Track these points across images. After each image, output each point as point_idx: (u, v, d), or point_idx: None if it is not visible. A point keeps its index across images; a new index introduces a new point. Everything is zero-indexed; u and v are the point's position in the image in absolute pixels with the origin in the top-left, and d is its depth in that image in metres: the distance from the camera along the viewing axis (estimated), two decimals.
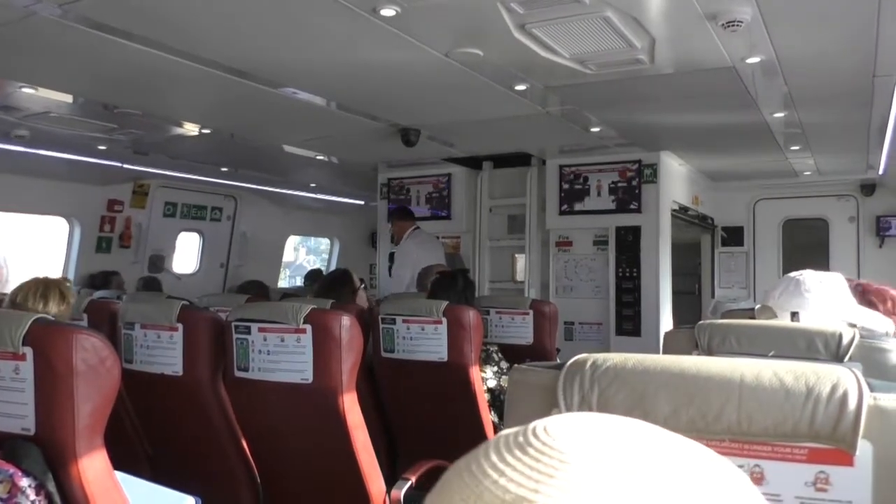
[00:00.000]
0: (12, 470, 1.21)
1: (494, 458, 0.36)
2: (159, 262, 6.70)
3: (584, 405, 0.76)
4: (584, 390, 0.77)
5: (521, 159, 5.66)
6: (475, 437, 2.90)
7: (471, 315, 2.83)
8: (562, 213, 5.48)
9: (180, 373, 2.34)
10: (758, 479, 0.72)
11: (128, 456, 2.42)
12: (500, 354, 3.14)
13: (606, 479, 0.33)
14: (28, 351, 1.33)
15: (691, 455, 0.36)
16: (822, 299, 1.63)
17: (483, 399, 2.89)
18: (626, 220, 5.25)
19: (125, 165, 5.63)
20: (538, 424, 0.37)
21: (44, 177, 5.49)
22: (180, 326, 2.33)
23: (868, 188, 6.57)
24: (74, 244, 6.09)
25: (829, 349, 1.26)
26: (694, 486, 0.35)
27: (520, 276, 6.04)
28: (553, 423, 0.37)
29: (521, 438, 0.37)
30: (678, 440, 0.37)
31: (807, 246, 6.78)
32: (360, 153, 5.49)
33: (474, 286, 3.47)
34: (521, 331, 3.54)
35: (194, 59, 2.98)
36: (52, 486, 1.27)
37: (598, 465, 0.34)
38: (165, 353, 2.37)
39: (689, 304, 6.67)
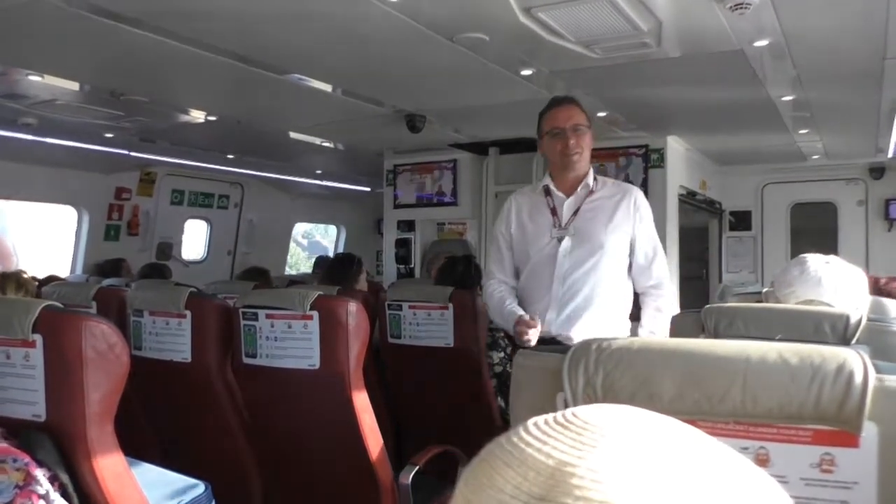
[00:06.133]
0: (27, 459, 1.22)
1: (536, 431, 0.39)
2: (167, 249, 6.73)
3: (589, 388, 0.76)
4: (589, 373, 0.77)
5: (527, 145, 5.63)
6: (481, 422, 2.91)
7: (477, 301, 2.83)
8: None
9: (189, 359, 2.35)
10: (763, 460, 0.72)
11: (137, 442, 2.44)
12: (506, 340, 3.14)
13: (645, 450, 0.36)
14: (38, 338, 1.34)
15: (712, 443, 0.39)
16: (839, 291, 1.60)
17: (489, 384, 2.90)
18: None
19: (132, 153, 5.64)
20: (575, 410, 0.40)
21: (51, 165, 5.51)
22: (188, 313, 2.34)
23: (877, 172, 6.52)
24: (83, 232, 6.12)
25: (837, 332, 1.26)
26: (717, 468, 0.37)
27: None
28: (590, 407, 0.40)
29: (560, 418, 0.39)
30: (699, 433, 0.40)
31: (815, 230, 6.75)
32: (366, 139, 5.48)
33: (480, 272, 3.47)
34: None
35: (200, 45, 2.98)
36: (65, 478, 1.29)
37: (636, 439, 0.37)
38: (174, 340, 2.38)
39: (696, 289, 6.66)
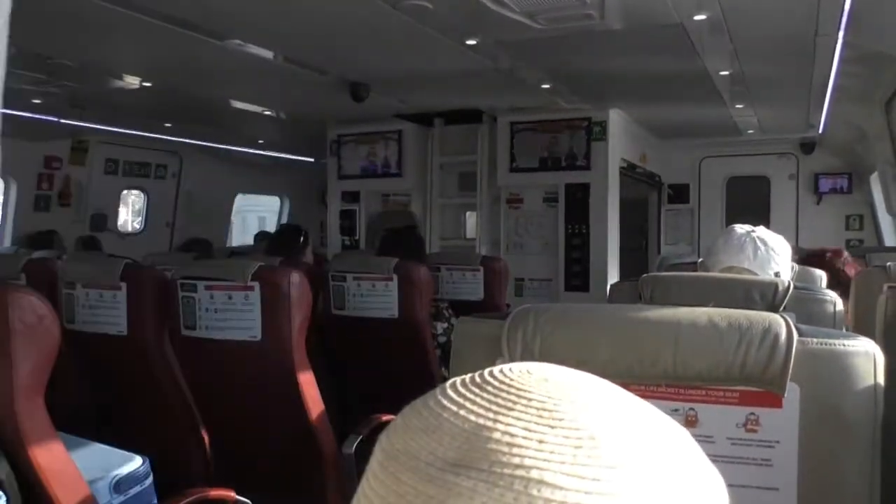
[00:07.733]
0: None
1: (452, 394, 0.37)
2: (101, 221, 6.51)
3: (527, 353, 0.77)
4: (527, 339, 0.78)
5: (472, 116, 5.63)
6: (425, 391, 2.93)
7: (421, 272, 2.84)
8: (512, 170, 5.49)
9: (125, 332, 2.30)
10: (692, 421, 0.75)
11: (76, 417, 2.38)
12: (450, 311, 3.16)
13: (560, 409, 0.35)
14: None
15: (634, 401, 0.39)
16: (759, 257, 1.68)
17: (433, 354, 2.92)
18: (576, 177, 5.29)
19: (62, 120, 5.40)
20: (493, 369, 0.39)
21: None
22: (123, 285, 2.28)
23: (808, 146, 6.77)
24: (11, 203, 5.88)
25: (766, 299, 1.31)
26: (638, 417, 0.37)
27: (470, 234, 6.06)
28: (508, 366, 0.39)
29: (478, 379, 0.38)
30: (621, 390, 0.40)
31: (749, 203, 6.97)
32: (309, 108, 5.38)
33: (422, 243, 3.48)
34: (471, 287, 3.57)
35: (132, 6, 2.86)
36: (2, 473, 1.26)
37: (552, 398, 0.35)
38: (109, 313, 2.32)
39: (636, 260, 6.81)
